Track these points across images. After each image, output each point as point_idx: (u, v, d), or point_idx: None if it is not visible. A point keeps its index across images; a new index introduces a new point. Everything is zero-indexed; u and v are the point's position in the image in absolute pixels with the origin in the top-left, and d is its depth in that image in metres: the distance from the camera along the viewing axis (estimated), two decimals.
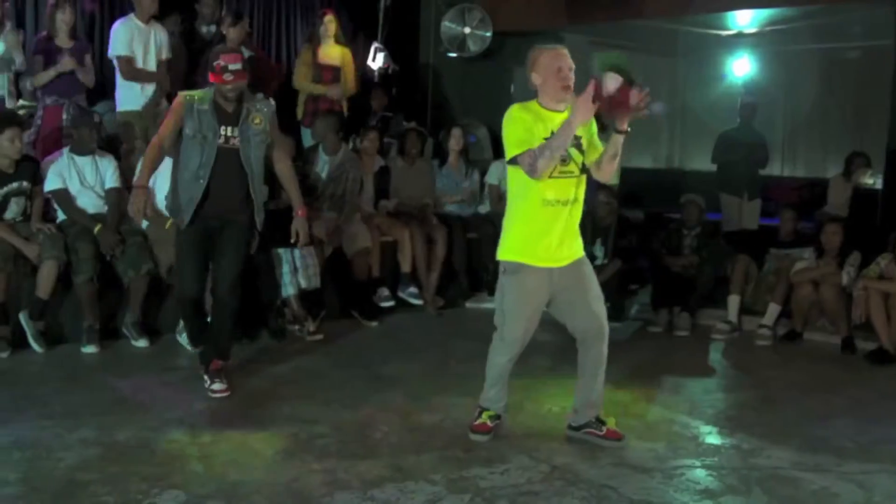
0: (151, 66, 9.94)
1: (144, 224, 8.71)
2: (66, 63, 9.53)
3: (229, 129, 6.91)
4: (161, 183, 8.42)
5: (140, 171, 7.09)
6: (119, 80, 9.93)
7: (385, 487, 5.42)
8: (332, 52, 11.20)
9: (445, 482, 5.53)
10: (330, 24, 11.17)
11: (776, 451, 6.32)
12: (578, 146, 5.96)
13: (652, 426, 6.78)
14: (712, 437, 6.62)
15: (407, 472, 5.66)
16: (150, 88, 9.95)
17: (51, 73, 9.55)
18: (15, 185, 8.40)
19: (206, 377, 7.21)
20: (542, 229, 5.98)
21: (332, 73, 11.17)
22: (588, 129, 6.03)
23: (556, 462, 5.94)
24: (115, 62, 9.90)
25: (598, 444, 6.27)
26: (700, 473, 5.87)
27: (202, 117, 6.86)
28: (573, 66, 5.97)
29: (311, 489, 5.38)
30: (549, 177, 5.85)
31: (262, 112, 7.09)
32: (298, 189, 7.48)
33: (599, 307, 6.27)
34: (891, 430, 6.83)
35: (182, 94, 7.07)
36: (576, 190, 6.02)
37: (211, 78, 6.94)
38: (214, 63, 6.87)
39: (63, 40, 9.70)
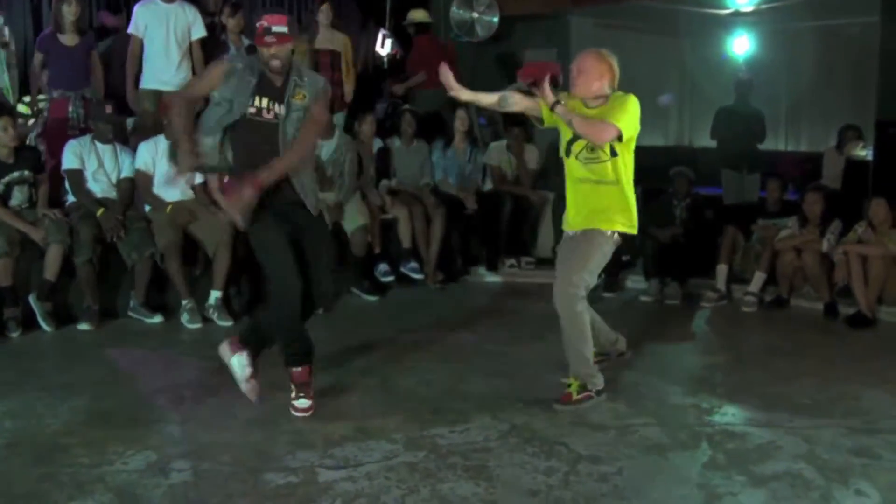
0: (173, 45, 9.98)
1: (147, 207, 8.96)
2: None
3: (272, 102, 6.11)
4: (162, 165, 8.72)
5: (179, 136, 6.15)
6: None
7: (346, 446, 5.61)
8: (330, 38, 11.32)
9: (404, 441, 5.71)
10: (326, 12, 11.28)
11: (733, 408, 6.49)
12: None
13: (618, 387, 6.88)
14: (675, 397, 6.74)
15: (370, 433, 5.85)
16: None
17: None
18: (16, 174, 8.64)
19: (245, 361, 6.39)
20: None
21: (329, 58, 11.28)
22: (614, 109, 6.29)
23: (517, 421, 6.09)
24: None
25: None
26: (653, 430, 6.00)
27: (241, 84, 6.09)
28: (578, 67, 6.42)
29: (275, 448, 5.59)
30: (577, 159, 6.44)
31: (307, 87, 6.21)
32: (287, 161, 6.14)
33: (564, 278, 6.47)
34: (850, 388, 6.92)
35: (226, 61, 6.37)
36: (607, 173, 6.38)
37: (256, 42, 6.19)
38: (257, 24, 6.09)
39: (69, 37, 9.80)
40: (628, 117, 6.23)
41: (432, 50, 12.44)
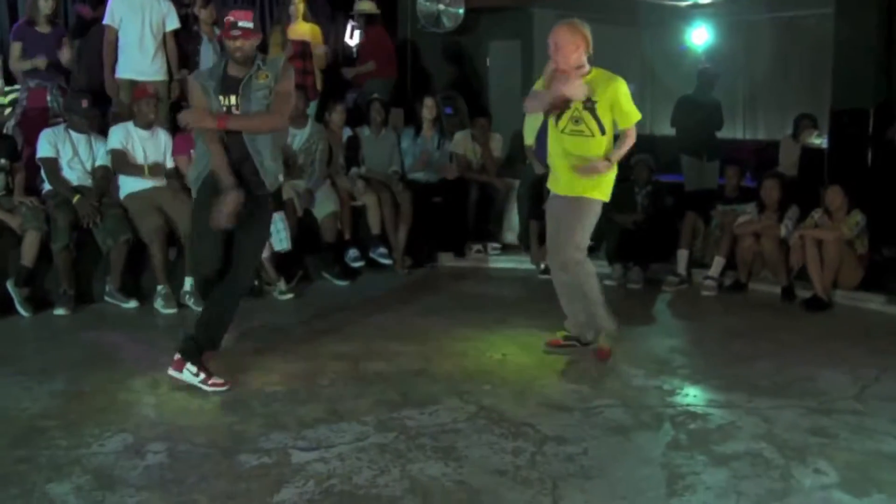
0: (148, 37, 9.89)
1: (123, 194, 8.91)
2: (38, 62, 9.60)
3: (238, 98, 6.28)
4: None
5: (222, 173, 6.26)
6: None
7: (318, 428, 5.62)
8: (301, 29, 11.35)
9: (375, 423, 5.72)
10: (299, 4, 11.30)
11: (694, 390, 6.52)
12: (592, 110, 6.69)
13: (583, 370, 6.94)
14: (638, 380, 6.76)
15: (342, 415, 5.86)
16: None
17: (26, 64, 9.66)
18: None
19: (194, 369, 6.40)
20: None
21: (300, 48, 11.30)
22: (608, 97, 6.69)
23: (485, 403, 6.10)
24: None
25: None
26: (617, 412, 6.01)
27: (211, 93, 6.31)
28: (554, 42, 6.75)
29: (249, 430, 5.58)
30: (562, 132, 6.88)
31: (269, 68, 6.36)
32: (255, 119, 6.32)
33: (568, 244, 6.94)
34: (807, 370, 6.96)
35: (193, 80, 6.62)
36: (593, 149, 6.82)
37: (223, 35, 6.40)
38: (225, 19, 6.32)
39: (43, 27, 9.74)
40: (633, 105, 6.77)
41: (381, 41, 12.50)
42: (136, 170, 8.95)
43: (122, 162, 8.97)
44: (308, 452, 5.24)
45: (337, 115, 10.80)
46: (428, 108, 11.50)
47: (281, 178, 6.67)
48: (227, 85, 6.32)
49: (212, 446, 5.33)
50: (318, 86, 11.56)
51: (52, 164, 8.78)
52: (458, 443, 5.41)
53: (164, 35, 10.01)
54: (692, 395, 6.39)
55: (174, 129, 9.35)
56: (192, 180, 6.64)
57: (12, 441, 5.38)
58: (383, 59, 12.51)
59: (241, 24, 6.20)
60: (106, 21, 9.85)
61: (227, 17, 6.30)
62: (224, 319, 6.53)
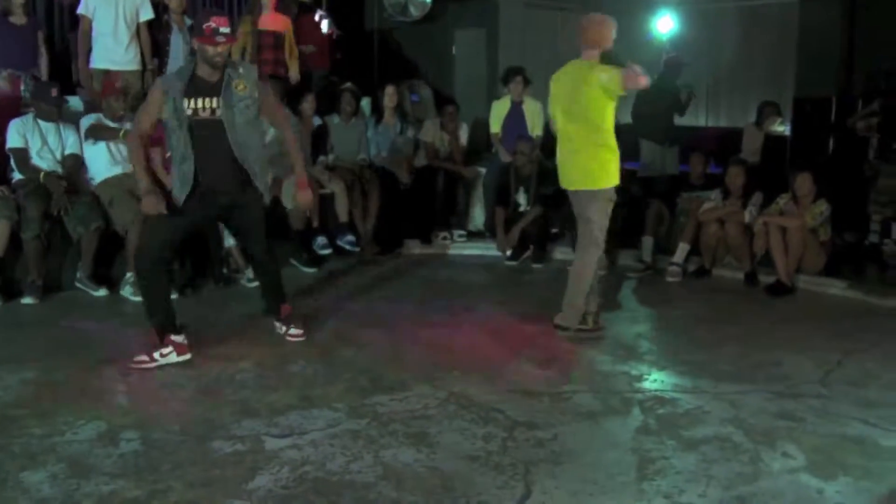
0: (122, 27, 9.84)
1: (94, 182, 8.87)
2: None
3: (214, 100, 6.45)
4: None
5: (139, 175, 6.58)
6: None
7: (290, 415, 5.62)
8: (274, 20, 11.27)
9: (347, 409, 5.73)
10: None
11: (661, 375, 6.55)
12: None
13: (552, 356, 6.95)
14: (605, 365, 6.78)
15: (313, 401, 5.87)
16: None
17: None
18: None
19: (279, 325, 7.39)
20: None
21: (272, 39, 11.20)
22: None
23: (455, 389, 6.12)
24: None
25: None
26: (586, 397, 6.04)
27: (177, 95, 6.40)
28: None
29: (222, 418, 5.57)
30: None
31: (244, 77, 6.56)
32: (300, 157, 7.18)
33: None
34: (771, 355, 7.00)
35: (159, 83, 6.74)
36: None
37: (198, 41, 6.44)
38: (204, 25, 6.35)
39: (18, 17, 9.71)
40: None
41: (314, 30, 12.46)
42: (112, 133, 8.91)
43: (99, 129, 8.95)
44: (281, 439, 5.24)
45: (307, 105, 10.75)
46: (388, 96, 11.48)
47: (269, 179, 6.85)
48: (198, 87, 6.47)
49: (185, 433, 5.32)
50: (294, 78, 11.48)
51: (22, 154, 8.72)
52: (429, 429, 5.43)
53: (138, 25, 9.97)
54: (660, 381, 6.42)
55: None
56: (178, 181, 6.66)
57: None
58: (316, 47, 12.40)
59: (222, 30, 6.34)
60: (80, 11, 9.82)
61: (207, 24, 6.36)
62: (279, 280, 7.44)
